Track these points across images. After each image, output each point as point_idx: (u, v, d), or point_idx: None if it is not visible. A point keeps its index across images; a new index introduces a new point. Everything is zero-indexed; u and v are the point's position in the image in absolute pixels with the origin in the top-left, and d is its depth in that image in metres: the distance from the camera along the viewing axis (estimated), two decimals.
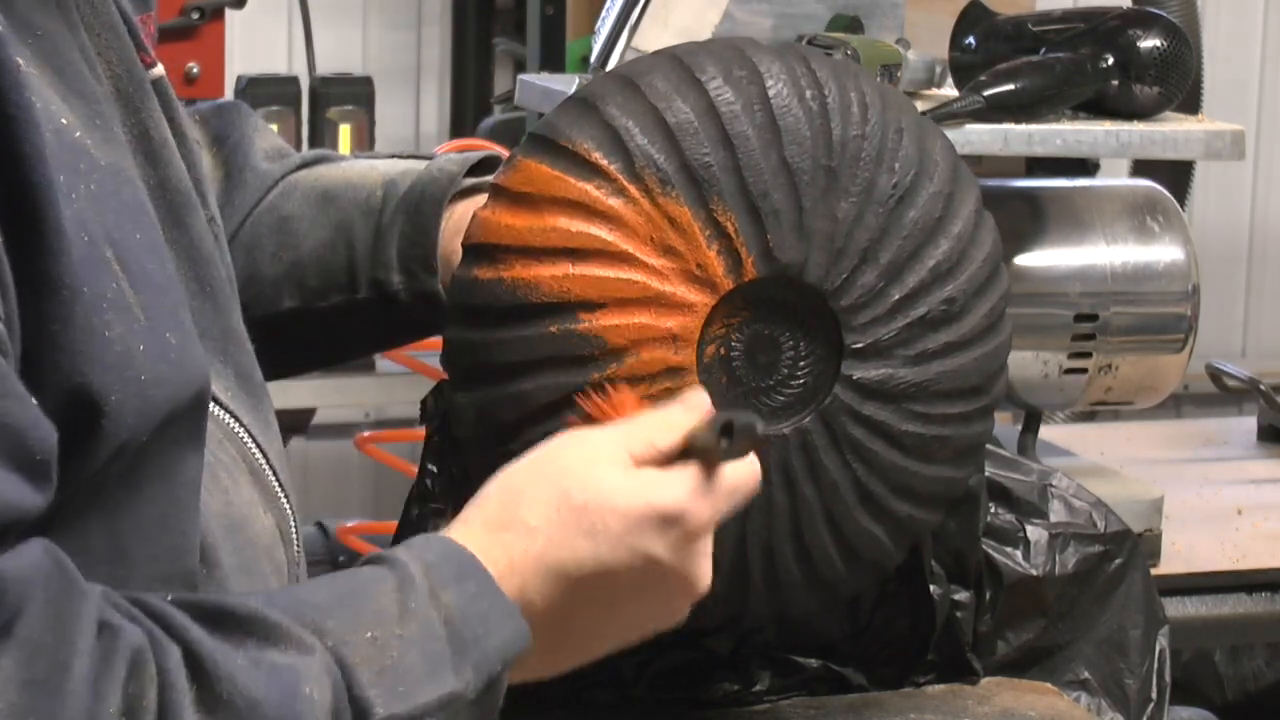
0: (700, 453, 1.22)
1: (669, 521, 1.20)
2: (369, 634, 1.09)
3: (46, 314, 1.04)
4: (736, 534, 1.40)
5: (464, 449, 1.43)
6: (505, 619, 1.16)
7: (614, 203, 1.35)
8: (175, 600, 1.07)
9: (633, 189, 1.35)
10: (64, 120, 1.09)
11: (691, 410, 1.25)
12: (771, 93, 1.38)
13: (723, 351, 1.39)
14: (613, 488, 1.19)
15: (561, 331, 1.35)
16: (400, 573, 1.14)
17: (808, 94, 1.38)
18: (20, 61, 1.05)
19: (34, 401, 1.02)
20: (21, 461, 1.01)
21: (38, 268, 1.05)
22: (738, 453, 1.22)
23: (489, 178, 1.50)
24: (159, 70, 1.26)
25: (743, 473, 1.24)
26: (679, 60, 1.39)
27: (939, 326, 1.41)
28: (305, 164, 1.58)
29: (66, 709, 0.97)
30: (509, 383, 1.36)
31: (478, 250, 1.38)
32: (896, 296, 1.40)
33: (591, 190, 1.35)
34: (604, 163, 1.35)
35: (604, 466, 1.20)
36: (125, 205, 1.13)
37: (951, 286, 1.41)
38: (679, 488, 1.20)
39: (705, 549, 1.22)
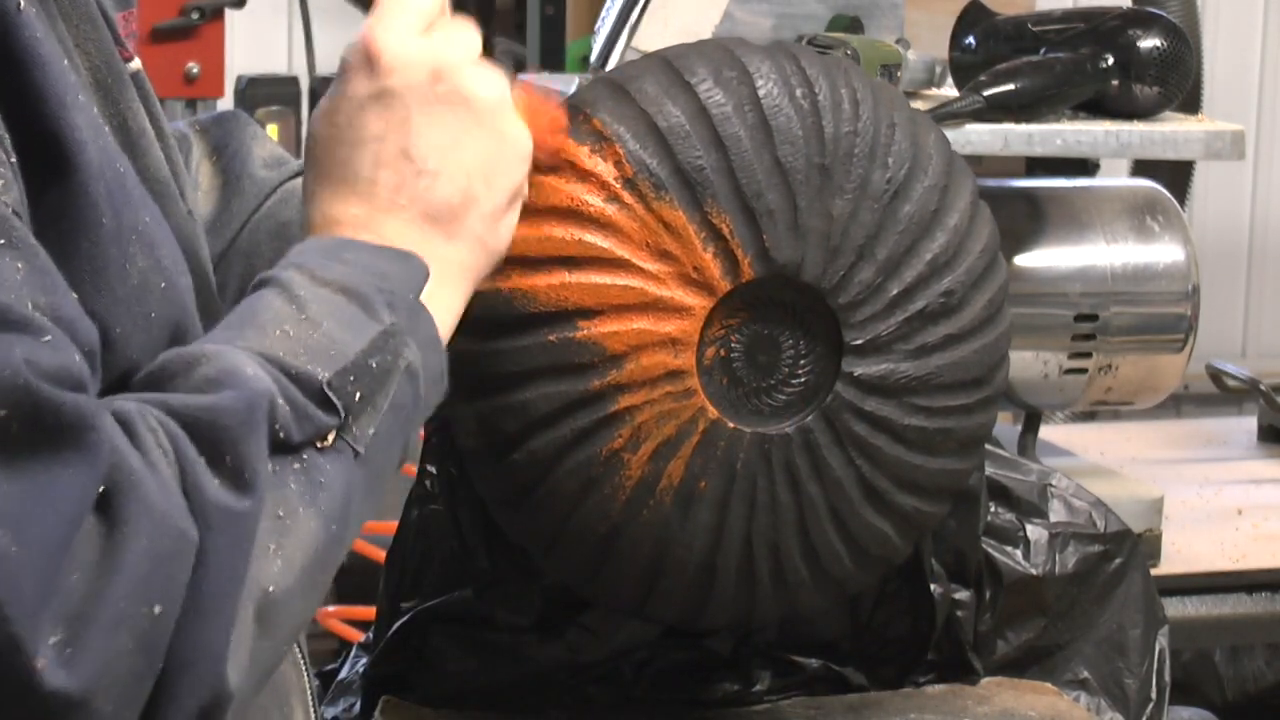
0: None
1: (355, 61, 1.27)
2: (276, 331, 1.11)
3: (49, 240, 1.05)
4: (743, 534, 1.40)
5: (468, 460, 1.43)
6: (390, 261, 1.19)
7: (608, 209, 1.35)
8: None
9: (626, 195, 1.35)
10: (64, 63, 1.10)
11: None
12: (762, 92, 1.38)
13: (722, 353, 1.39)
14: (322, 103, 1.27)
15: (560, 340, 1.35)
16: (277, 281, 1.15)
17: (798, 92, 1.38)
18: (21, 2, 1.06)
19: (75, 297, 1.04)
20: (80, 349, 1.03)
21: (48, 195, 1.06)
22: None
23: None
24: (136, 64, 1.26)
25: None
26: (668, 63, 1.39)
27: (938, 319, 1.41)
28: (303, 170, 1.59)
29: (150, 494, 1.00)
30: (509, 393, 1.36)
31: None
32: (894, 291, 1.40)
33: (585, 198, 1.35)
34: (595, 170, 1.35)
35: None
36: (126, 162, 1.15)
37: (949, 279, 1.41)
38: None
39: (383, 34, 1.27)
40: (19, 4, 1.06)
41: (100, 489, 0.98)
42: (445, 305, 1.23)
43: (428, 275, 1.20)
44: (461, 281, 1.26)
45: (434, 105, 1.25)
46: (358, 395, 1.11)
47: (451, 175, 1.24)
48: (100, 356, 1.07)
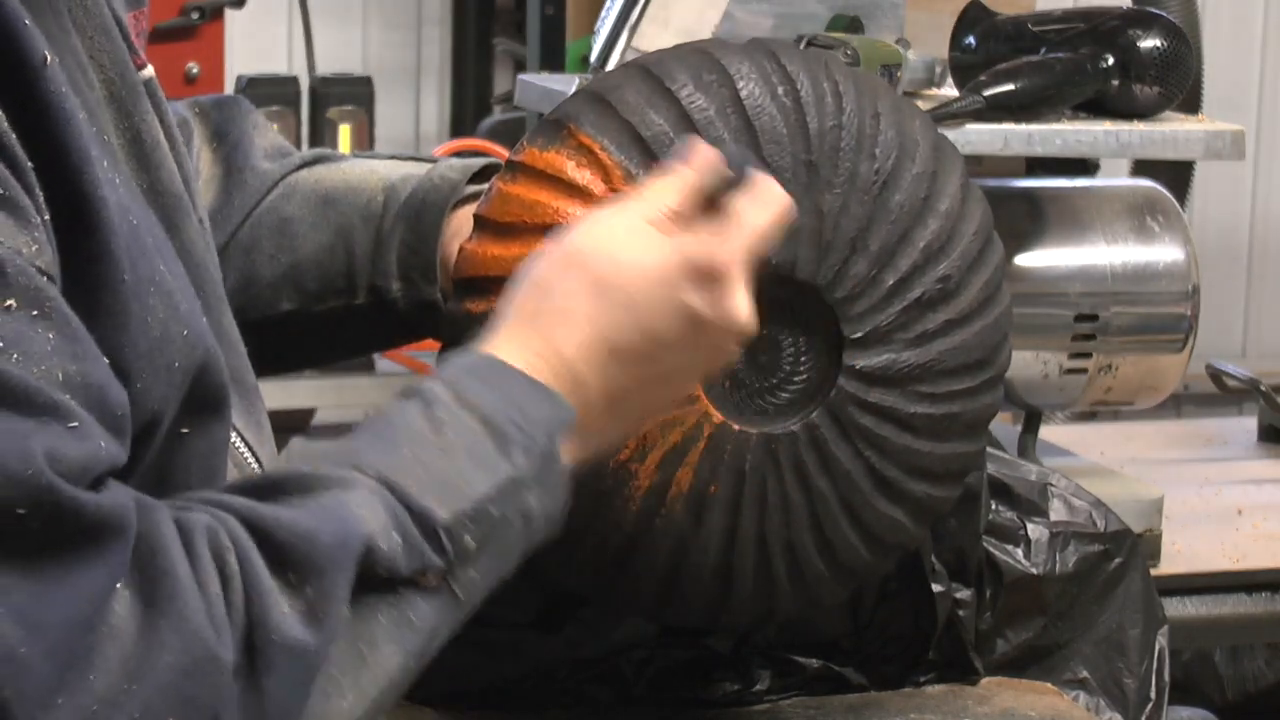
0: (714, 199, 1.26)
1: (700, 271, 1.22)
2: (408, 454, 1.10)
3: (74, 298, 1.05)
4: (756, 535, 1.40)
5: None
6: (541, 401, 1.17)
7: None
8: (219, 487, 1.10)
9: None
10: (82, 115, 1.10)
11: (694, 161, 1.27)
12: (744, 94, 1.37)
13: None
14: (640, 256, 1.21)
15: None
16: (423, 395, 1.14)
17: (780, 90, 1.38)
18: (48, 55, 1.06)
19: (106, 361, 1.04)
20: (105, 417, 1.03)
21: (72, 252, 1.06)
22: (746, 185, 1.27)
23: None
24: (149, 71, 1.26)
25: (762, 202, 1.26)
26: (648, 71, 1.39)
27: (936, 306, 1.41)
28: (305, 164, 1.58)
29: (189, 609, 1.00)
30: None
31: (467, 284, 1.38)
32: (890, 282, 1.39)
33: (573, 212, 1.35)
34: (583, 183, 1.35)
35: (626, 240, 1.22)
36: (138, 202, 1.14)
37: (945, 264, 1.41)
38: (702, 237, 1.23)
39: (740, 288, 1.24)
40: (45, 58, 1.06)
41: (120, 587, 0.98)
42: (575, 459, 1.22)
43: (572, 419, 1.19)
44: (592, 451, 1.25)
45: (715, 353, 1.26)
46: (471, 542, 1.11)
47: (657, 396, 1.26)
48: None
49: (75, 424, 0.99)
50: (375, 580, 1.06)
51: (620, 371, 1.21)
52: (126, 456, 1.05)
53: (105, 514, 0.99)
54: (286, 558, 1.04)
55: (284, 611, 1.03)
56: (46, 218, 1.04)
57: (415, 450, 1.11)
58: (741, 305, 1.24)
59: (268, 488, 1.08)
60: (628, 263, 1.21)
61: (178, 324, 1.11)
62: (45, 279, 1.02)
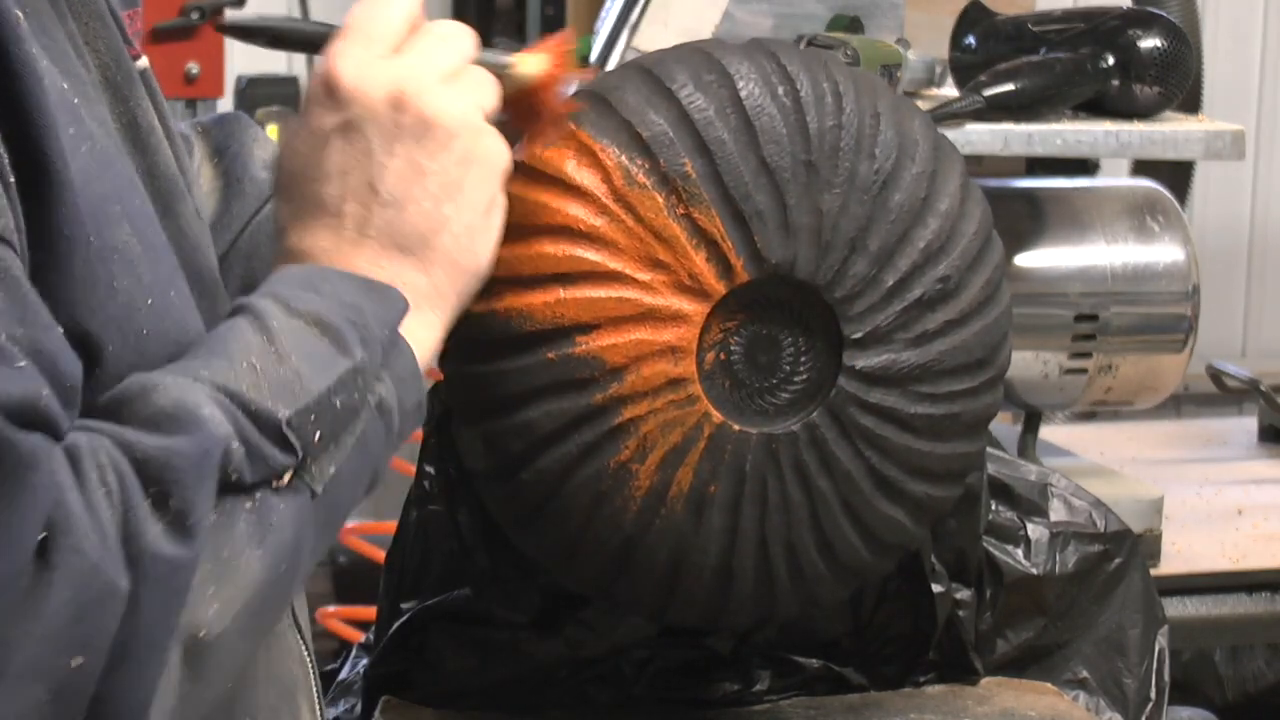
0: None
1: (317, 93, 1.23)
2: (243, 363, 1.10)
3: (46, 262, 1.05)
4: (757, 535, 1.40)
5: (477, 482, 1.43)
6: (367, 294, 1.17)
7: (598, 223, 1.34)
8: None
9: (615, 207, 1.35)
10: (63, 84, 1.10)
11: None
12: (743, 93, 1.37)
13: (723, 356, 1.39)
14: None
15: (559, 357, 1.35)
16: (252, 310, 1.14)
17: (780, 90, 1.38)
18: (20, 15, 1.06)
19: (60, 330, 1.04)
20: (55, 387, 1.02)
21: (41, 215, 1.06)
22: None
23: None
24: (144, 62, 1.26)
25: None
26: (648, 71, 1.39)
27: (936, 306, 1.41)
28: None
29: (84, 541, 0.99)
30: (513, 413, 1.36)
31: None
32: (890, 282, 1.39)
33: (575, 213, 1.35)
34: (583, 183, 1.35)
35: None
36: (120, 175, 1.14)
37: (944, 264, 1.41)
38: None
39: (352, 52, 1.23)
40: (19, 17, 1.06)
41: (42, 535, 0.97)
42: (424, 334, 1.23)
43: (406, 308, 1.19)
44: (440, 306, 1.25)
45: (395, 134, 1.23)
46: (318, 435, 1.10)
47: (417, 203, 1.23)
48: (95, 376, 1.06)
49: (21, 364, 0.99)
50: (228, 486, 1.06)
51: (341, 223, 1.22)
52: (71, 425, 1.04)
53: (37, 454, 0.98)
54: (151, 473, 1.03)
55: (154, 526, 1.02)
56: (11, 180, 1.04)
57: (250, 360, 1.10)
58: (348, 67, 1.22)
59: (119, 405, 1.07)
60: (283, 147, 1.25)
61: (141, 292, 1.11)
62: (1, 241, 1.01)
